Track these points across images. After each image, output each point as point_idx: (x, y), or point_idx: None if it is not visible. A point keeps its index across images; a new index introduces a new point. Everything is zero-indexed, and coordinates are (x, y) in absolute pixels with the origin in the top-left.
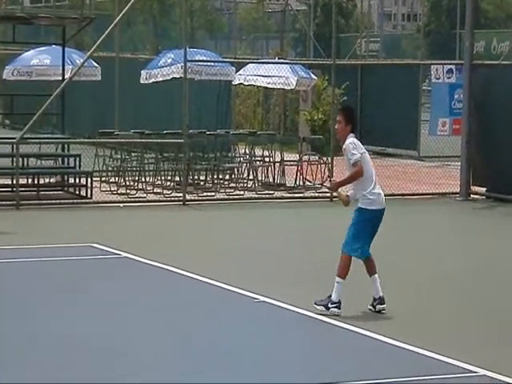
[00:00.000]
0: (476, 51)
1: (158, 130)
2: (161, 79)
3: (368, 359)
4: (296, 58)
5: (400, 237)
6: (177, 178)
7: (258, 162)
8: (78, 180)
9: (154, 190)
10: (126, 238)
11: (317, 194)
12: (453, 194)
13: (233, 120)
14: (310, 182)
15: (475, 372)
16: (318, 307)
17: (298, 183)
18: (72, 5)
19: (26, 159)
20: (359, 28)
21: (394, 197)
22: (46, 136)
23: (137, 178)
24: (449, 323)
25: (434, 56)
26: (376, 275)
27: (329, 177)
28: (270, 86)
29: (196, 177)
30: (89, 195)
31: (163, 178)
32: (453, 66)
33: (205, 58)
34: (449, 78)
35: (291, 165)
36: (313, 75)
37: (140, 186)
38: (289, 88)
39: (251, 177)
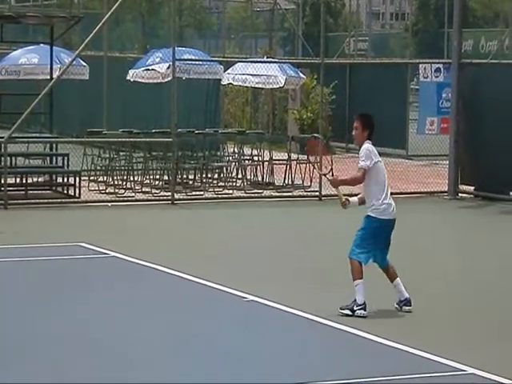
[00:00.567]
0: (464, 50)
1: (147, 129)
2: (149, 81)
3: (356, 358)
4: (285, 56)
5: None
6: (165, 177)
7: (246, 161)
8: (66, 179)
9: (143, 189)
10: (114, 237)
11: (305, 193)
12: (441, 192)
13: (221, 119)
14: (325, 174)
15: (463, 371)
16: (344, 311)
17: (286, 182)
18: (60, 4)
19: (14, 158)
20: (348, 27)
21: None
22: (34, 135)
23: (125, 177)
24: (438, 322)
25: (423, 55)
26: (398, 279)
27: (331, 169)
28: (258, 85)
29: (185, 176)
30: (77, 194)
31: (152, 177)
32: (441, 65)
33: (193, 57)
34: (437, 76)
35: (280, 164)
36: (301, 74)
37: (128, 185)
38: (277, 87)
39: (240, 176)
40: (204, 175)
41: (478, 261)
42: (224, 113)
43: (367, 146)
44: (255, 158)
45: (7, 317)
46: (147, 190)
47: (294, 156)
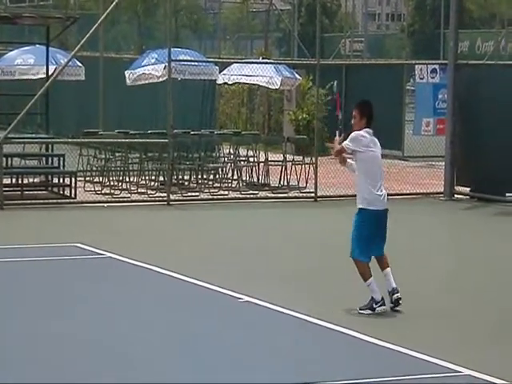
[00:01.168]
0: (460, 51)
1: (143, 130)
2: (145, 82)
3: (350, 359)
4: (280, 57)
5: None
6: (161, 178)
7: (242, 162)
8: (62, 180)
9: (138, 190)
10: (109, 238)
11: (301, 194)
12: (437, 193)
13: (217, 120)
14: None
15: (459, 372)
16: (364, 312)
17: (282, 183)
18: (56, 4)
19: (9, 159)
20: (343, 28)
21: None
22: (29, 136)
23: (121, 178)
24: (434, 323)
25: (418, 56)
26: (389, 269)
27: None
28: (254, 85)
29: (180, 177)
30: (73, 195)
31: (147, 177)
32: (437, 66)
33: (189, 58)
34: (433, 77)
35: (275, 165)
36: (297, 75)
37: (124, 186)
38: (273, 88)
39: (235, 177)
40: (199, 176)
41: (473, 262)
42: (220, 114)
43: (361, 132)
44: (251, 159)
45: (4, 317)
46: (143, 190)
47: (289, 157)
